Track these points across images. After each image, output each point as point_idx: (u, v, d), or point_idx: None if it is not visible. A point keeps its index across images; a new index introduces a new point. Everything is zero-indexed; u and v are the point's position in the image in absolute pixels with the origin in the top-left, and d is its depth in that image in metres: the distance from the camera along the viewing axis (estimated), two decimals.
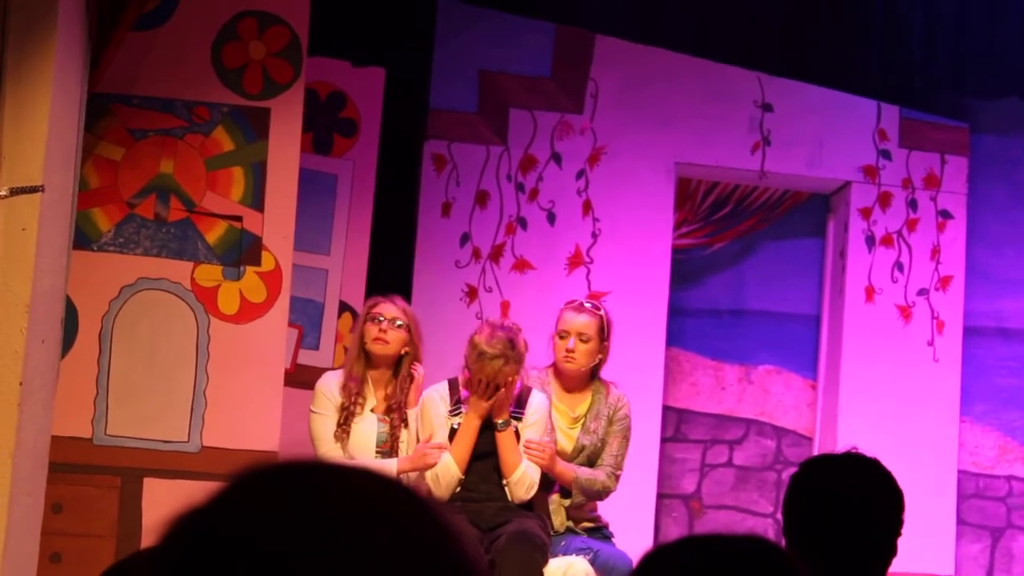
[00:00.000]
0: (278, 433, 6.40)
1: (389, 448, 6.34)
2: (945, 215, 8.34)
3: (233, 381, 6.39)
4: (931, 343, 8.26)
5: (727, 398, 8.45)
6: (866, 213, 8.29)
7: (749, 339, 8.45)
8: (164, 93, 6.45)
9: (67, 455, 6.11)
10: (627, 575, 6.04)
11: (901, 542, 3.49)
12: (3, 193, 4.73)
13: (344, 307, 7.62)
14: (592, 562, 6.25)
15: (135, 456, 6.31)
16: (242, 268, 6.47)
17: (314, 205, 7.38)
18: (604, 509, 6.60)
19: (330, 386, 6.37)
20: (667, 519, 8.29)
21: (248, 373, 6.41)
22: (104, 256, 6.38)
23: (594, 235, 8.04)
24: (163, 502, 6.22)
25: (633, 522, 7.40)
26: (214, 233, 6.46)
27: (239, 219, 6.47)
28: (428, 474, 6.19)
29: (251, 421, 6.39)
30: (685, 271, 8.35)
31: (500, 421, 6.22)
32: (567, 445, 6.48)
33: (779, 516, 8.26)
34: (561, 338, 6.49)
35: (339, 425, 6.29)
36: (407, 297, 7.50)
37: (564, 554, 6.27)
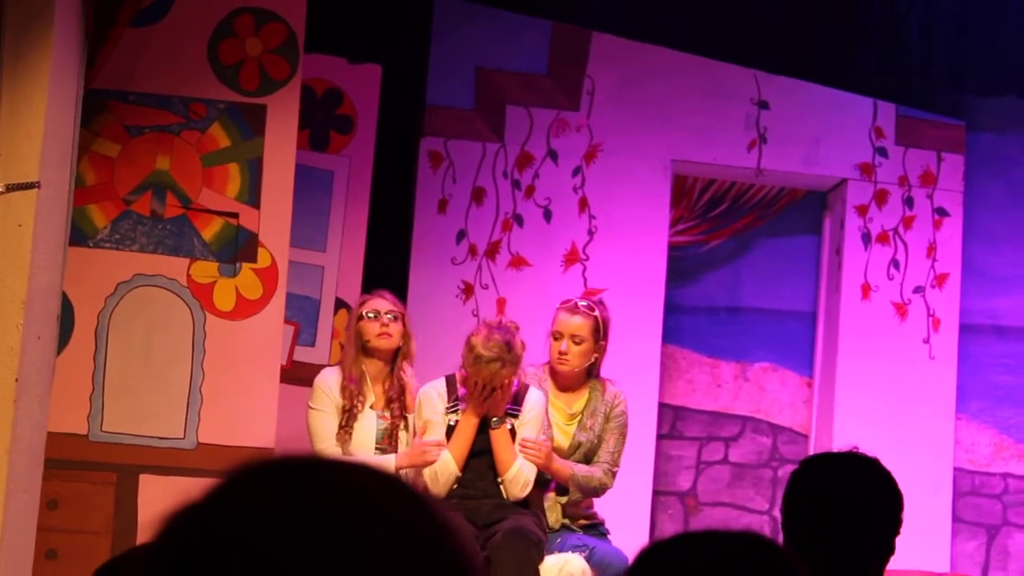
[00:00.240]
0: (274, 430, 6.40)
1: (388, 444, 6.36)
2: (941, 213, 8.34)
3: (229, 378, 6.39)
4: (927, 340, 8.26)
5: (723, 395, 8.46)
6: (862, 210, 8.30)
7: (745, 336, 8.46)
8: (161, 89, 6.45)
9: (63, 451, 6.11)
10: (622, 572, 6.04)
11: (897, 539, 3.49)
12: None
13: (340, 304, 7.61)
14: (588, 559, 6.25)
15: (131, 452, 6.31)
16: (238, 265, 6.47)
17: (310, 202, 7.37)
18: (600, 506, 6.60)
19: (329, 383, 6.38)
20: (663, 516, 8.30)
21: (244, 370, 6.41)
22: (100, 252, 6.38)
23: (590, 232, 8.04)
24: (159, 498, 6.22)
25: (629, 519, 7.40)
26: (210, 229, 6.46)
27: (235, 216, 6.47)
28: (426, 471, 6.19)
29: (247, 418, 6.39)
30: (681, 268, 8.35)
31: (494, 419, 6.22)
32: (564, 441, 6.48)
33: (775, 513, 8.28)
34: (555, 339, 6.48)
35: (341, 427, 6.31)
36: (403, 293, 7.51)
37: (560, 551, 6.28)
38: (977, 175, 8.43)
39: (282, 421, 6.47)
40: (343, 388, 6.34)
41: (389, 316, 6.41)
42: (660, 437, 8.19)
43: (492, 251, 7.98)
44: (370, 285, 7.23)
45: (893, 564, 3.51)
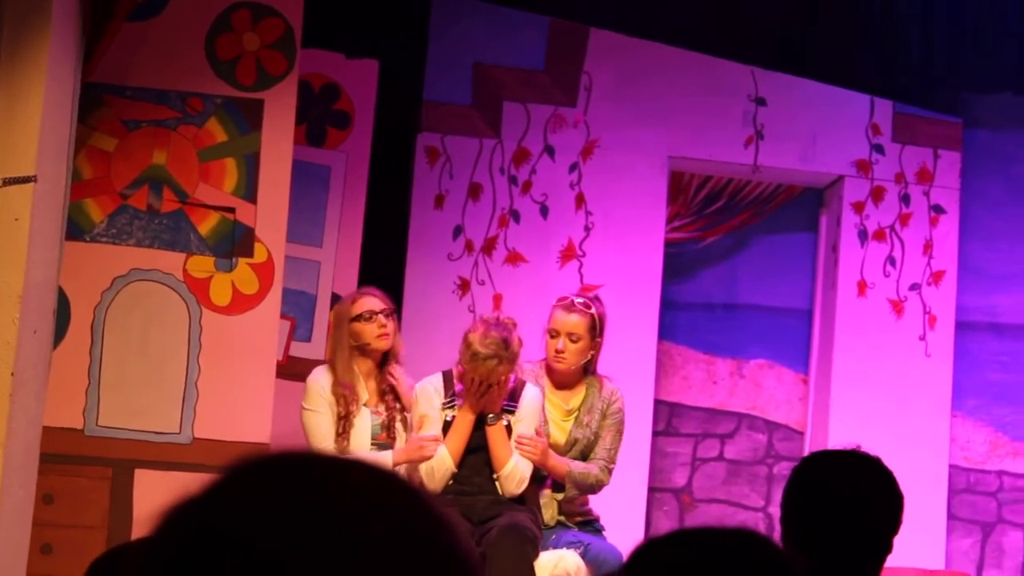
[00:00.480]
0: (270, 425, 6.40)
1: (386, 438, 6.37)
2: (938, 210, 8.34)
3: (225, 373, 6.39)
4: (923, 338, 8.26)
5: (719, 392, 8.45)
6: (859, 208, 8.30)
7: (741, 333, 8.45)
8: (157, 84, 6.45)
9: (58, 446, 6.10)
10: (618, 568, 6.05)
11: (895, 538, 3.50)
12: None
13: (336, 299, 7.61)
14: (583, 555, 6.26)
15: (126, 447, 6.31)
16: (234, 259, 6.46)
17: (307, 197, 7.37)
18: (595, 503, 6.61)
19: (321, 383, 6.39)
20: (658, 513, 8.30)
21: (240, 365, 6.40)
22: (96, 247, 6.38)
23: (587, 228, 8.04)
24: (154, 493, 6.22)
25: (624, 516, 7.40)
26: (207, 224, 6.46)
27: (232, 210, 6.47)
28: (423, 467, 6.19)
29: (243, 413, 6.39)
30: (678, 265, 8.35)
31: (491, 416, 6.22)
32: (560, 438, 6.48)
33: (770, 510, 8.29)
34: (551, 337, 6.48)
35: (339, 434, 6.32)
36: (399, 289, 7.52)
37: (555, 547, 6.28)
38: (974, 172, 8.43)
39: (278, 416, 6.46)
40: (336, 391, 6.35)
41: (383, 315, 6.43)
42: (656, 434, 8.19)
43: (489, 247, 7.98)
44: (366, 280, 7.23)
45: (888, 561, 3.51)
